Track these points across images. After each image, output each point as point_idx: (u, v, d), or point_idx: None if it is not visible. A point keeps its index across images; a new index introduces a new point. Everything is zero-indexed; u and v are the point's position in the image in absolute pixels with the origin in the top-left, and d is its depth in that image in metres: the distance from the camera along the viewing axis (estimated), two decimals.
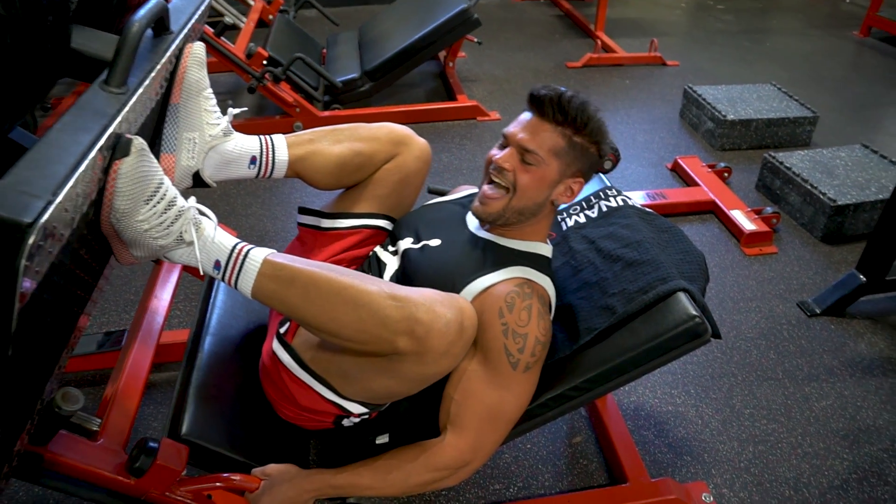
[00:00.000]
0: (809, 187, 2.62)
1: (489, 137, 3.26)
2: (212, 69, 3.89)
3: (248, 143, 1.35)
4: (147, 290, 1.54)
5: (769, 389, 1.94)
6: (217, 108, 1.27)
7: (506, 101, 3.63)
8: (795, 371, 2.01)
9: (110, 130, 0.84)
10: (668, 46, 4.48)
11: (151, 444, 1.07)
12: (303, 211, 1.55)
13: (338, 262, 1.48)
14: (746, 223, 2.57)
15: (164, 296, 1.55)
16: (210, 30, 3.02)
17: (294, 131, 2.01)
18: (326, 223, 1.51)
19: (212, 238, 1.06)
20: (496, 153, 1.31)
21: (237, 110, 1.34)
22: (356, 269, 1.48)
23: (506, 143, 1.30)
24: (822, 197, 2.56)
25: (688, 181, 2.93)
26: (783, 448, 1.76)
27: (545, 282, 1.33)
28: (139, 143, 0.89)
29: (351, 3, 5.16)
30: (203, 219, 1.06)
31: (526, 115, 1.30)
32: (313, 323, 1.09)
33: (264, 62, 3.17)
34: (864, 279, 2.17)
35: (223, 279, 1.08)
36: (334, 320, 1.08)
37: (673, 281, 1.37)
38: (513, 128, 1.30)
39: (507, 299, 1.23)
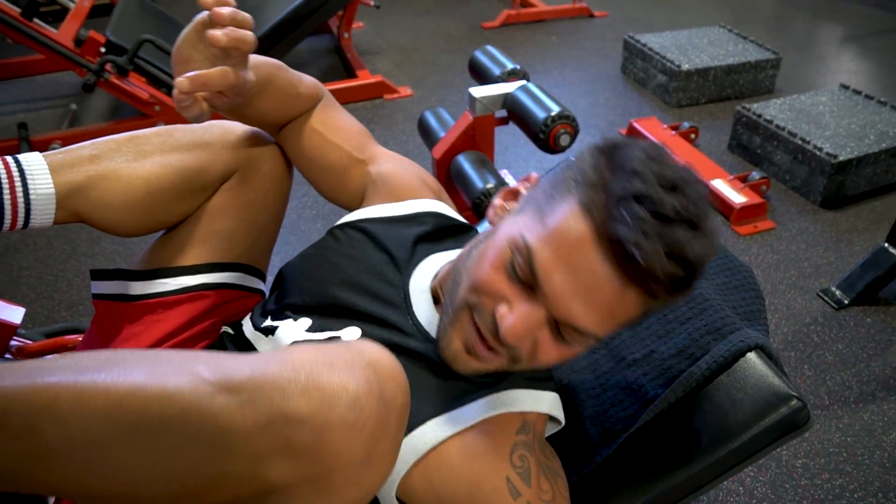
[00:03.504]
0: (800, 142, 2.13)
1: (401, 118, 2.64)
2: (41, 67, 3.13)
3: None
4: None
5: (819, 425, 1.43)
6: None
7: (416, 74, 3.01)
8: (843, 391, 1.51)
9: None
10: None
11: None
12: (99, 275, 0.91)
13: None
14: (734, 195, 2.06)
15: None
16: (14, 9, 2.26)
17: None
18: (138, 288, 0.88)
19: None
20: (504, 292, 0.64)
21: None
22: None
23: (526, 277, 0.62)
24: (818, 153, 2.08)
25: None
26: None
27: (548, 402, 0.77)
28: None
29: None
30: None
31: (591, 257, 0.59)
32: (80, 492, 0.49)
33: (101, 49, 2.43)
34: None
35: None
36: (116, 476, 0.48)
37: (735, 332, 0.82)
38: (559, 270, 0.60)
39: (514, 461, 0.69)
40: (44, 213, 0.79)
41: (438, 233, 0.89)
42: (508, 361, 0.67)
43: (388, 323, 0.76)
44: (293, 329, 0.78)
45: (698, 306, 0.86)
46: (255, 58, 0.83)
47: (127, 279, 0.89)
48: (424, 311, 0.77)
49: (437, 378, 0.72)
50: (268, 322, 0.82)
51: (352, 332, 0.75)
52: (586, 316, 0.60)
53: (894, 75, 3.12)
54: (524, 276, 0.61)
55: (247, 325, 0.86)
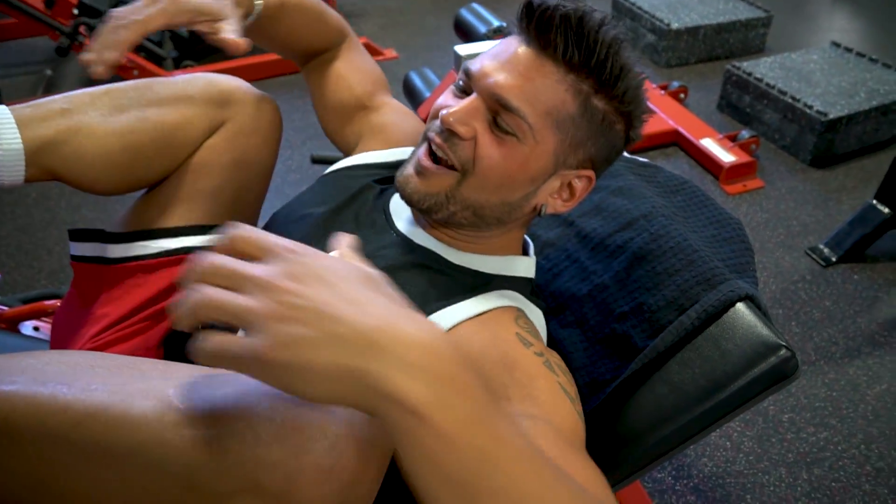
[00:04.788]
0: (790, 100, 2.12)
1: (387, 80, 2.59)
2: (14, 32, 3.03)
3: None
4: None
5: (805, 380, 1.44)
6: None
7: (402, 36, 2.95)
8: (829, 346, 1.52)
9: None
10: None
11: None
12: (77, 236, 0.88)
13: (144, 322, 0.84)
14: (723, 154, 2.05)
15: None
16: None
17: None
18: (117, 251, 0.86)
19: None
20: (448, 102, 0.73)
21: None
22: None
23: (467, 86, 0.72)
24: (808, 111, 2.06)
25: None
26: (847, 466, 1.27)
27: (537, 317, 0.78)
28: None
29: None
30: None
31: (511, 44, 0.71)
32: None
33: (74, 11, 2.36)
34: (888, 211, 1.69)
35: None
36: (67, 499, 0.47)
37: (724, 282, 0.81)
38: (483, 62, 0.71)
39: (520, 324, 0.72)
40: (13, 171, 0.76)
41: None
42: (457, 176, 0.70)
43: (371, 241, 0.77)
44: None
45: (687, 258, 0.85)
46: None
47: (106, 241, 0.86)
48: (406, 223, 0.79)
49: (430, 280, 0.73)
50: None
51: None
52: (505, 85, 0.67)
53: (885, 33, 3.09)
54: (463, 81, 0.71)
55: None
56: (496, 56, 0.70)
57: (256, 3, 0.80)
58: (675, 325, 0.78)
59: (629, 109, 0.72)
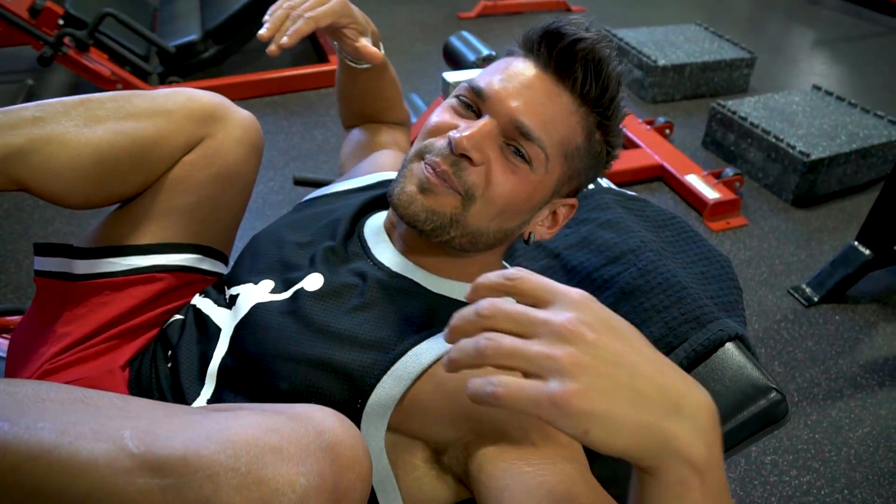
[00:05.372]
0: (774, 140, 2.14)
1: None
2: None
3: None
4: None
5: (788, 422, 1.42)
6: None
7: (390, 60, 2.94)
8: (812, 388, 1.51)
9: None
10: None
11: None
12: (43, 250, 0.84)
13: (109, 341, 0.80)
14: (707, 191, 2.05)
15: None
16: None
17: None
18: (84, 267, 0.82)
19: None
20: (453, 120, 0.69)
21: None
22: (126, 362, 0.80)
23: (476, 103, 0.69)
24: (791, 151, 2.08)
25: (625, 143, 2.39)
26: None
27: None
28: None
29: None
30: None
31: (523, 66, 0.68)
32: None
33: (60, 21, 2.33)
34: (870, 253, 1.70)
35: None
36: None
37: (714, 321, 0.79)
38: (496, 82, 0.67)
39: None
40: None
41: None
42: (462, 200, 0.67)
43: (347, 268, 0.74)
44: (255, 292, 0.74)
45: (675, 294, 0.83)
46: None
47: (73, 257, 0.82)
48: (382, 249, 0.76)
49: (409, 311, 0.70)
50: (228, 292, 0.78)
51: (314, 280, 0.73)
52: (527, 112, 0.65)
53: (863, 79, 3.16)
54: (470, 98, 0.68)
55: (202, 302, 0.81)
56: (511, 78, 0.67)
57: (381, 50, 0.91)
58: None
59: (616, 144, 0.74)
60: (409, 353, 0.64)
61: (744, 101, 2.38)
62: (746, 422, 0.72)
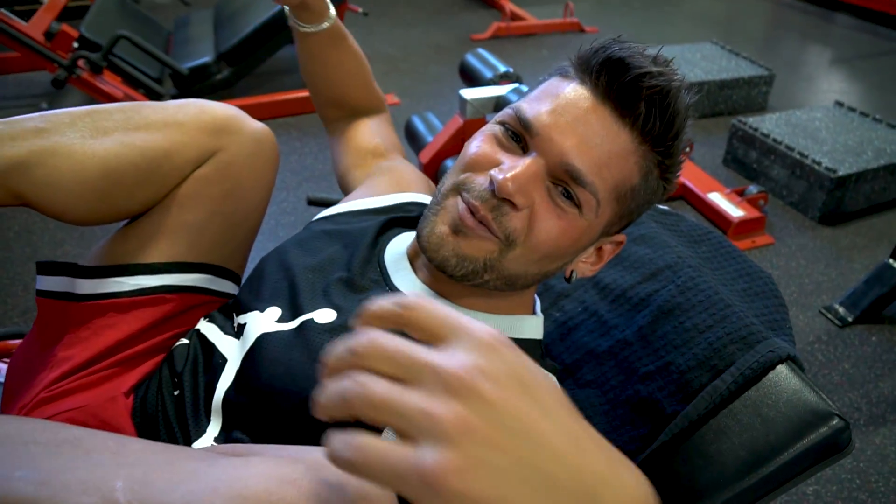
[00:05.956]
0: (798, 156, 2.08)
1: None
2: (13, 66, 2.98)
3: None
4: None
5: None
6: None
7: (404, 83, 2.93)
8: (852, 413, 1.43)
9: None
10: (583, 12, 3.94)
11: None
12: (46, 269, 0.79)
13: (113, 367, 0.75)
14: (731, 209, 1.99)
15: None
16: None
17: None
18: (88, 287, 0.77)
19: None
20: (496, 155, 0.62)
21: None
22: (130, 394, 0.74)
23: (523, 135, 0.61)
24: (817, 168, 2.02)
25: None
26: None
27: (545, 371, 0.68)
28: None
29: None
30: None
31: (577, 95, 0.60)
32: None
33: (74, 44, 2.33)
34: None
35: None
36: None
37: (762, 342, 0.73)
38: (548, 111, 0.60)
39: None
40: None
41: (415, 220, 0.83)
42: (500, 245, 0.60)
43: (363, 298, 0.67)
44: (261, 321, 0.68)
45: (719, 313, 0.77)
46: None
47: (77, 276, 0.78)
48: (403, 277, 0.70)
49: None
50: (236, 320, 0.73)
51: (326, 314, 0.66)
52: (579, 153, 0.58)
53: (884, 97, 3.10)
54: (515, 127, 0.61)
55: (208, 328, 0.76)
56: (563, 110, 0.59)
57: (330, 13, 0.86)
58: (710, 390, 0.70)
59: (674, 179, 0.66)
60: None
61: (765, 117, 2.33)
62: (807, 451, 0.65)
